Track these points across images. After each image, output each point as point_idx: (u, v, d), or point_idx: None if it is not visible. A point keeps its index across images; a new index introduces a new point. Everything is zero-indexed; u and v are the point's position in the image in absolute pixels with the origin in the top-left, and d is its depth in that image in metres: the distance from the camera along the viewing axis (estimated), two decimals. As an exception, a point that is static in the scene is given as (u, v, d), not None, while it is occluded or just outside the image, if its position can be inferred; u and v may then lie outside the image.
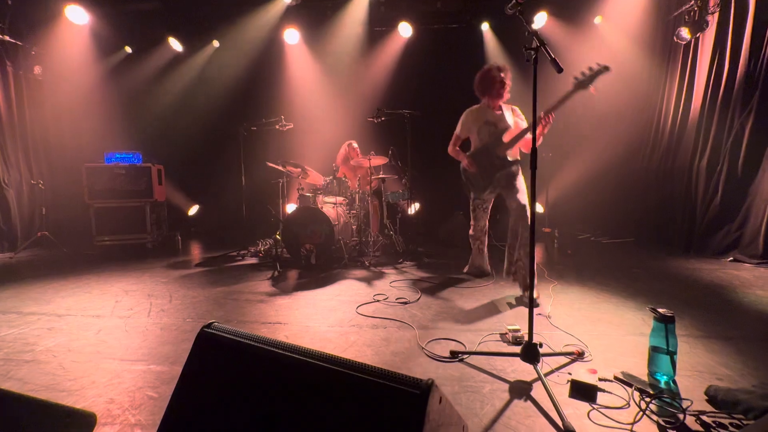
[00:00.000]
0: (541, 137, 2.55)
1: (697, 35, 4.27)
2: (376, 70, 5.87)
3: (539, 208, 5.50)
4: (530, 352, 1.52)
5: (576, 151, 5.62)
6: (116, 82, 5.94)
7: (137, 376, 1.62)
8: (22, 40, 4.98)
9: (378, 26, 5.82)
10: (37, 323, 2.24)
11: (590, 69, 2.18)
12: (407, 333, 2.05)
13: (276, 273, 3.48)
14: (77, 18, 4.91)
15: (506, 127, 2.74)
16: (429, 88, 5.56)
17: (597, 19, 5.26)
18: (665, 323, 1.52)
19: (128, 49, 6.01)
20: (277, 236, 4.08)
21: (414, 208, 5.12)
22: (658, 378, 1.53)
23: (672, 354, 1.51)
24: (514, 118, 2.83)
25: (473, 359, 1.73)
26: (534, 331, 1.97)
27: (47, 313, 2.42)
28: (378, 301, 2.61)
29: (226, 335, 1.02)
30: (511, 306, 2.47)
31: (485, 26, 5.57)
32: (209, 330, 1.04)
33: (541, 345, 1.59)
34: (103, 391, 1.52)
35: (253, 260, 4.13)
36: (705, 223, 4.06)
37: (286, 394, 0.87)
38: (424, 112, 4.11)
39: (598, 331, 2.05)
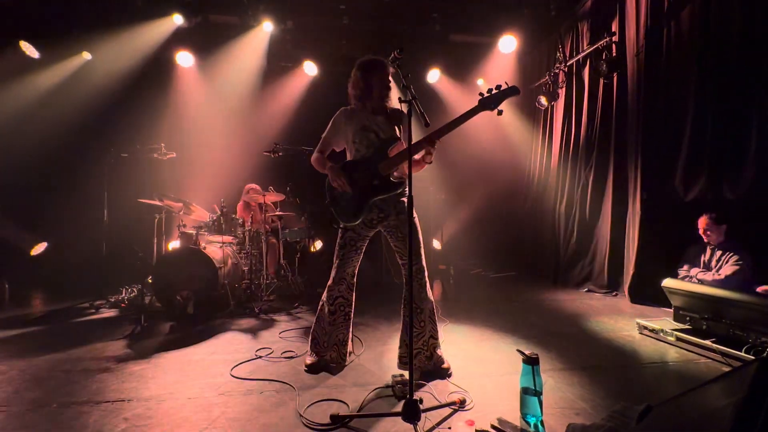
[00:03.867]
0: (421, 166, 2.02)
1: (552, 103, 5.20)
2: (278, 105, 5.73)
3: (437, 245, 5.82)
4: (410, 411, 1.43)
5: (466, 192, 6.20)
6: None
7: None
8: None
9: (283, 61, 5.77)
10: None
11: (497, 87, 1.82)
12: (287, 396, 1.81)
13: (139, 328, 2.88)
14: None
15: (391, 138, 2.04)
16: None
17: (479, 81, 6.07)
18: (531, 365, 1.60)
19: (-44, 47, 4.80)
20: (149, 281, 3.46)
21: (315, 246, 4.93)
22: (529, 421, 1.58)
23: (539, 395, 1.59)
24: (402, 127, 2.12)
25: (356, 422, 1.58)
26: (420, 380, 1.94)
27: None
28: (260, 357, 2.30)
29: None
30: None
31: (387, 74, 5.96)
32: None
33: (421, 401, 1.52)
34: None
35: (112, 312, 3.39)
36: (566, 259, 4.74)
37: None
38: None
39: (479, 371, 2.10)
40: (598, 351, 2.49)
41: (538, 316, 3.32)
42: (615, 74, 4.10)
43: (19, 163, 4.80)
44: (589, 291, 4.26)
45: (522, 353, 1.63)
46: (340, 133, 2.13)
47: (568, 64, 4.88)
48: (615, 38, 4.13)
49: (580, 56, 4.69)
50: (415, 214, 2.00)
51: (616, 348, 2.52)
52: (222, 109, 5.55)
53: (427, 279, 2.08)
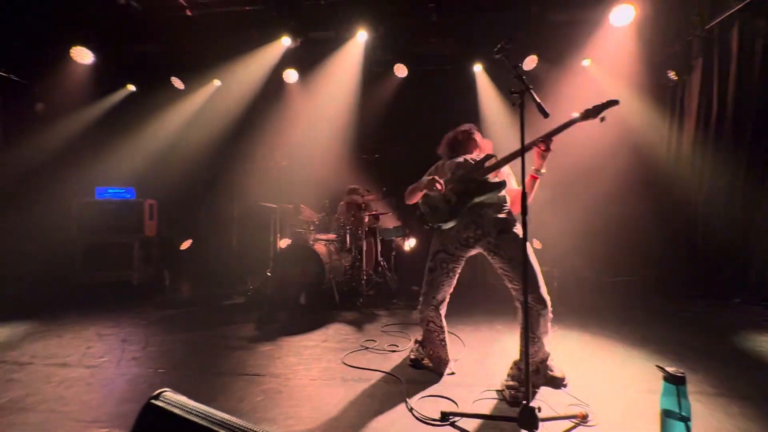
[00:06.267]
0: (534, 188, 1.90)
1: (684, 78, 4.37)
2: (373, 109, 5.97)
3: (536, 244, 5.38)
4: (528, 418, 1.36)
5: (574, 184, 5.59)
6: (119, 118, 6.05)
7: (89, 443, 1.45)
8: (27, 79, 5.12)
9: (375, 67, 6.01)
10: (-5, 374, 2.07)
11: (598, 104, 1.82)
12: (395, 388, 1.88)
13: (263, 314, 3.31)
14: (82, 58, 5.09)
15: (486, 157, 2.00)
16: (423, 127, 5.62)
17: (585, 62, 5.42)
18: (676, 385, 1.37)
19: (131, 87, 6.18)
20: (268, 274, 3.95)
21: (410, 244, 5.02)
22: (673, 449, 1.36)
23: (686, 420, 1.36)
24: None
25: (466, 422, 1.56)
26: (532, 389, 1.82)
27: (9, 360, 2.25)
28: (366, 348, 2.44)
29: (176, 410, 0.89)
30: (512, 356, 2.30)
31: (478, 68, 5.74)
32: (156, 402, 0.91)
33: (539, 409, 1.43)
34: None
35: (241, 299, 3.96)
36: (706, 263, 3.95)
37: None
38: (418, 150, 4.12)
39: (602, 387, 1.88)
40: (763, 377, 2.01)
41: (672, 329, 2.84)
42: (780, 32, 3.26)
43: (173, 177, 5.95)
44: (742, 302, 3.47)
45: (663, 370, 1.41)
46: (438, 170, 2.16)
47: (706, 28, 4.04)
48: (779, -13, 3.29)
49: (724, 15, 3.84)
50: (519, 231, 1.88)
51: (792, 376, 2.01)
52: (324, 118, 6.03)
53: (550, 312, 1.84)
